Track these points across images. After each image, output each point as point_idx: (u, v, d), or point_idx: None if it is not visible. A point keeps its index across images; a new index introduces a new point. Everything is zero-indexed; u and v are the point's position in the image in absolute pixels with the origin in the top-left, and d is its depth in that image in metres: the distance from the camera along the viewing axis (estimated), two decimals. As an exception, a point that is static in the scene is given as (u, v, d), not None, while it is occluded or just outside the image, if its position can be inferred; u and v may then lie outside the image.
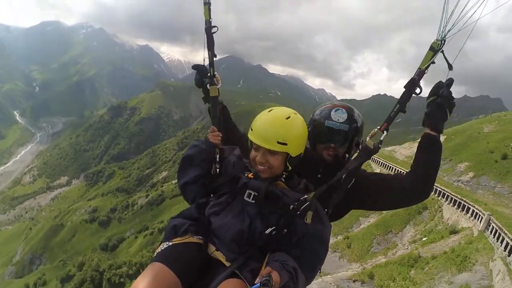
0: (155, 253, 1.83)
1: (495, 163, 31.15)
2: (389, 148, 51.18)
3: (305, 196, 1.84)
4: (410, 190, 2.03)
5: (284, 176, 1.98)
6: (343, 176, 2.00)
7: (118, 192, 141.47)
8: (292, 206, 1.81)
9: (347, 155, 2.22)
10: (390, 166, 38.72)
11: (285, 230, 1.81)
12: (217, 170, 2.12)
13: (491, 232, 20.07)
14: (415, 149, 1.92)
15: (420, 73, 1.93)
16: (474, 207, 23.27)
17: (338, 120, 2.11)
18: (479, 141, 37.20)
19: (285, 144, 1.85)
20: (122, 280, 68.29)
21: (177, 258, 1.74)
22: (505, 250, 17.56)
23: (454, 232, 23.50)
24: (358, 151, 2.17)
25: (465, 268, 17.62)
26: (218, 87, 2.37)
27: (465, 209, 24.31)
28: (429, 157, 1.98)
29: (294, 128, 1.91)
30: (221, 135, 2.26)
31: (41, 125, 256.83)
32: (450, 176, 32.74)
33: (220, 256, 1.83)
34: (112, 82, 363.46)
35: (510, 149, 31.97)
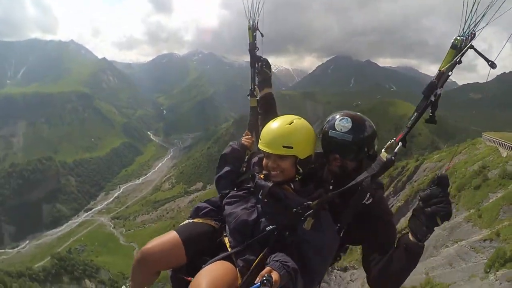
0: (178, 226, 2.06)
1: None
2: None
3: (309, 202, 1.81)
4: (368, 281, 1.93)
5: (296, 179, 2.02)
6: (357, 189, 1.86)
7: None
8: (295, 210, 1.80)
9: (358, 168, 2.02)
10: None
11: (287, 233, 1.82)
12: (244, 168, 2.35)
13: None
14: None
15: (441, 76, 1.62)
16: None
17: (341, 130, 1.97)
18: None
19: (291, 147, 1.91)
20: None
21: (190, 232, 1.96)
22: None
23: None
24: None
25: None
26: (257, 99, 2.68)
27: None
28: (396, 269, 1.74)
29: (297, 131, 1.96)
30: (253, 139, 2.52)
31: (173, 141, 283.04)
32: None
33: (227, 242, 1.94)
34: (228, 98, 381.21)
35: None
